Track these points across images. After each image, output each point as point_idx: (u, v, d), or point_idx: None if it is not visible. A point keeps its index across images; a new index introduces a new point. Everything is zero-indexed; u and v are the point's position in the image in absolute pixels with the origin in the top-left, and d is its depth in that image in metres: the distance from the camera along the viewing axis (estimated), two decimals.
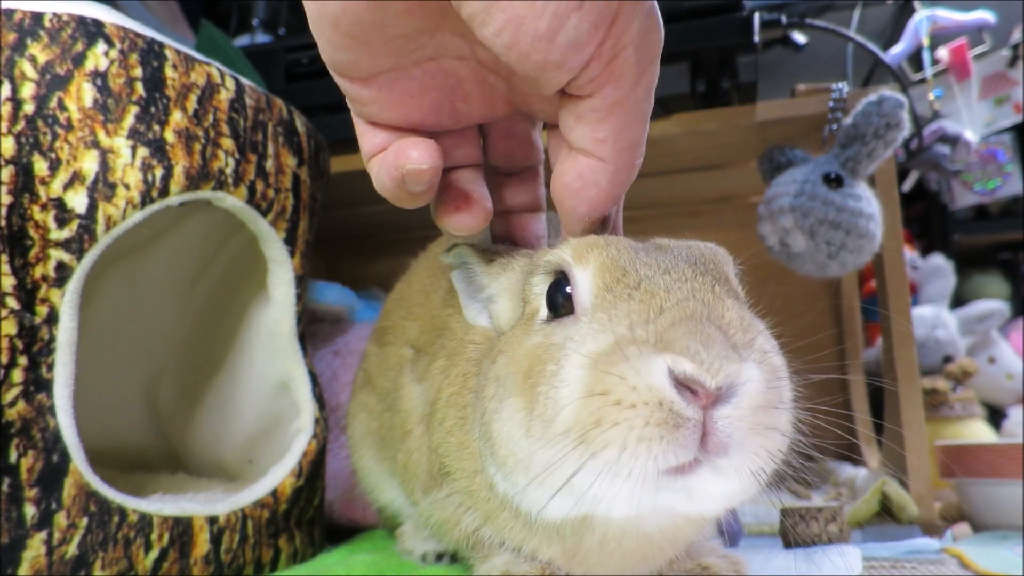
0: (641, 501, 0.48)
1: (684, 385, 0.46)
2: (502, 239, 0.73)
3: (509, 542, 0.67)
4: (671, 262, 0.55)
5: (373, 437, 0.94)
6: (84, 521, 0.72)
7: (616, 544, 0.61)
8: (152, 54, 0.80)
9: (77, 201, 0.74)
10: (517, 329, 0.62)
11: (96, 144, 0.75)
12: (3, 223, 0.70)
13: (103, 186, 0.75)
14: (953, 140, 1.91)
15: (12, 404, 0.69)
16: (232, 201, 0.87)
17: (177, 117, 0.81)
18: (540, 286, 0.61)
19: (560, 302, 0.58)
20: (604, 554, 0.62)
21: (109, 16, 0.80)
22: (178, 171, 0.80)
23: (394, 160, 0.58)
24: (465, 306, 0.72)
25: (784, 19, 1.49)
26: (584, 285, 0.56)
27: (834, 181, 1.16)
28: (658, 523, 0.58)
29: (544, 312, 0.59)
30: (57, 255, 0.73)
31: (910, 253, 2.06)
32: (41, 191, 0.72)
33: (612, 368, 0.48)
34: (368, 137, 0.62)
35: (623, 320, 0.50)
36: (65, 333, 0.73)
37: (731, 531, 0.93)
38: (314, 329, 1.38)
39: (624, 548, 0.61)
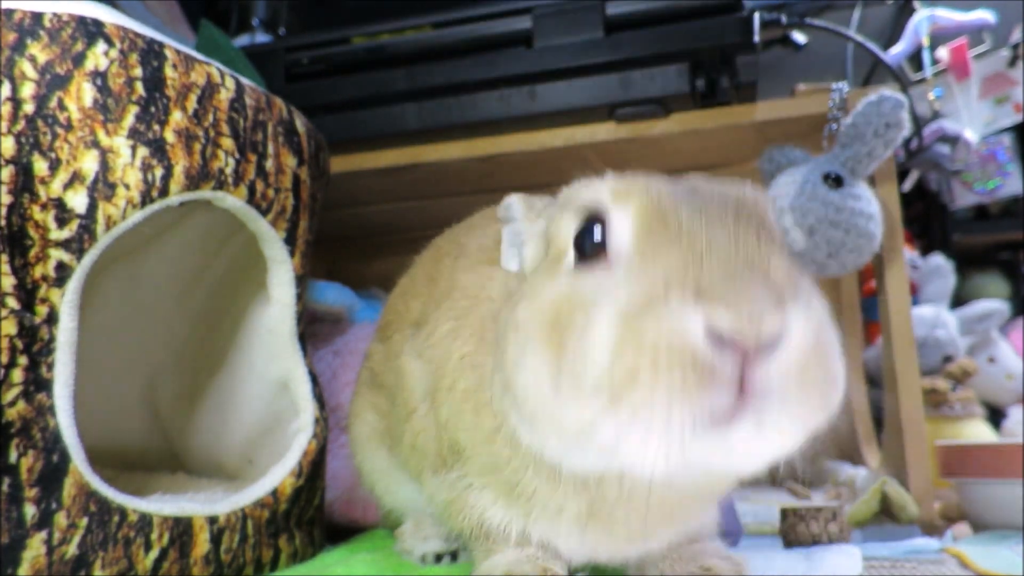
0: (677, 460, 0.46)
1: (724, 340, 0.44)
2: None
3: (529, 511, 0.65)
4: (714, 209, 0.52)
5: (383, 436, 0.93)
6: (84, 521, 0.72)
7: (642, 498, 0.59)
8: (152, 54, 0.80)
9: (77, 201, 0.74)
10: (540, 273, 0.59)
11: (96, 144, 0.75)
12: (3, 223, 0.70)
13: (103, 186, 0.75)
14: (953, 140, 1.90)
15: (12, 404, 0.69)
16: (232, 201, 0.87)
17: (177, 117, 0.81)
18: (568, 227, 0.57)
19: (590, 249, 0.54)
20: (629, 508, 0.60)
21: (109, 16, 0.80)
22: (178, 171, 0.80)
23: None
24: (503, 251, 0.70)
25: (784, 19, 1.49)
26: (622, 230, 0.53)
27: (834, 181, 1.16)
28: (691, 478, 0.54)
29: (571, 257, 0.56)
30: (57, 255, 0.73)
31: (910, 253, 2.05)
32: (41, 191, 0.72)
33: (647, 325, 0.46)
34: None
35: (661, 272, 0.47)
36: (65, 333, 0.73)
37: (732, 532, 0.93)
38: (314, 329, 1.38)
39: (651, 503, 0.59)
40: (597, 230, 0.54)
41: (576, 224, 0.57)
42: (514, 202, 0.69)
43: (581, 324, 0.50)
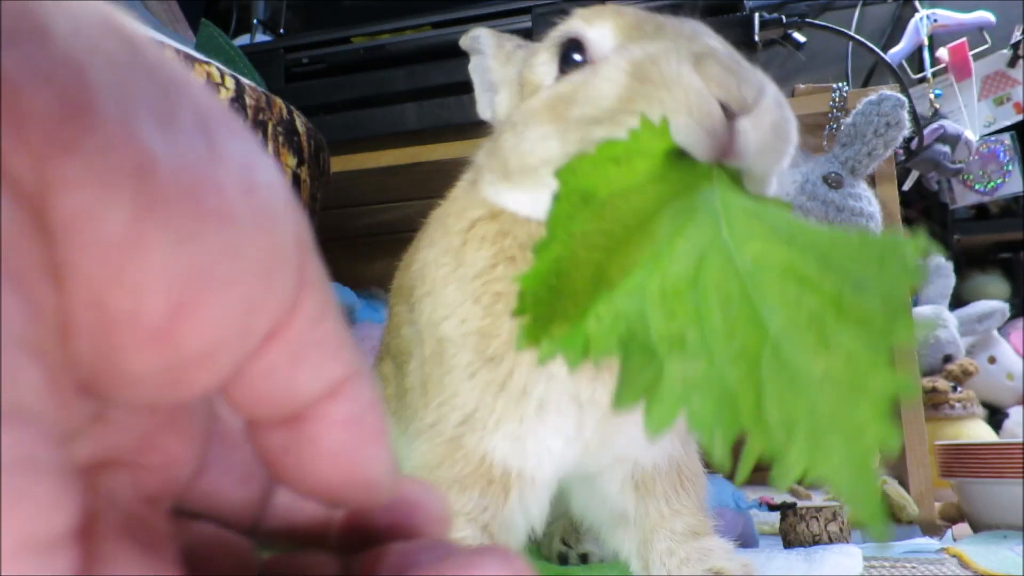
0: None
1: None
2: None
3: (523, 393, 0.64)
4: (682, 23, 0.57)
5: (391, 403, 0.94)
6: None
7: None
8: None
9: None
10: (521, 104, 0.63)
11: None
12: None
13: None
14: (953, 140, 1.90)
15: None
16: None
17: None
18: (545, 63, 0.61)
19: (572, 68, 0.58)
20: None
21: None
22: None
23: None
24: (477, 97, 0.74)
25: (784, 19, 1.49)
26: (604, 40, 0.57)
27: (834, 181, 1.16)
28: None
29: (552, 79, 0.60)
30: None
31: None
32: None
33: (657, 65, 0.50)
34: None
35: (660, 44, 0.52)
36: None
37: (746, 536, 0.94)
38: None
39: None
40: (576, 52, 0.59)
41: (552, 56, 0.61)
42: (483, 34, 0.72)
43: (584, 86, 0.54)
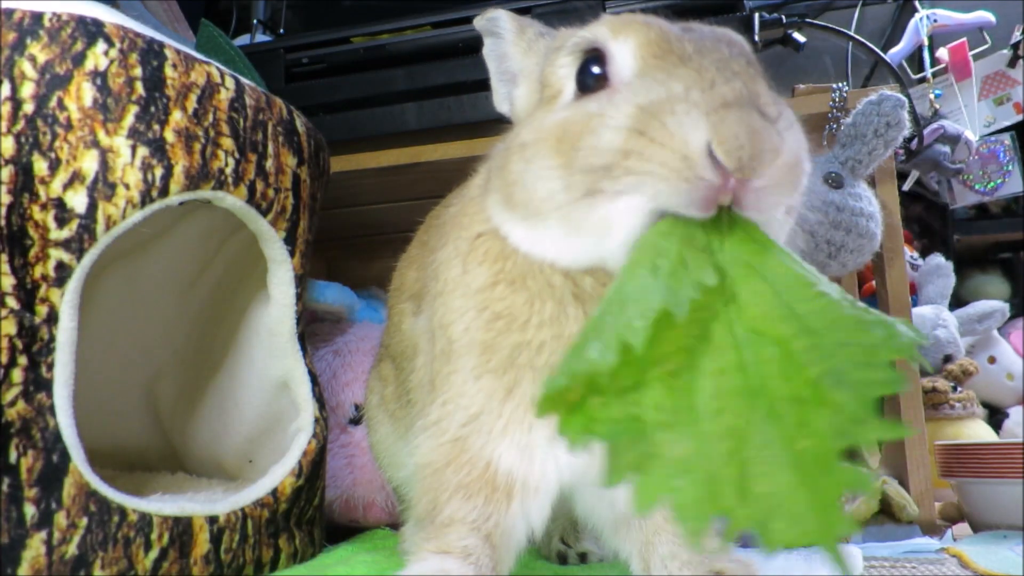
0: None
1: (720, 163, 0.47)
2: None
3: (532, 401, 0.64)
4: (710, 42, 0.55)
5: (388, 403, 0.94)
6: (84, 521, 0.72)
7: None
8: (152, 54, 0.80)
9: (77, 201, 0.74)
10: (537, 111, 0.62)
11: (96, 144, 0.75)
12: (3, 223, 0.70)
13: (103, 186, 0.75)
14: (953, 140, 1.90)
15: (12, 404, 0.69)
16: (232, 200, 0.87)
17: (177, 117, 0.81)
18: (566, 68, 0.60)
19: (591, 82, 0.57)
20: None
21: (109, 16, 0.80)
22: (178, 171, 0.80)
23: None
24: (494, 87, 0.73)
25: (784, 19, 1.49)
26: (625, 59, 0.56)
27: (834, 181, 1.16)
28: None
29: (570, 91, 0.59)
30: (57, 255, 0.73)
31: (910, 253, 2.05)
32: (41, 191, 0.72)
33: (660, 114, 0.49)
34: None
35: (679, 82, 0.51)
36: (65, 333, 0.73)
37: (746, 536, 0.93)
38: (314, 329, 1.38)
39: None
40: (596, 65, 0.58)
41: (573, 62, 0.60)
42: (502, 17, 0.70)
43: (591, 128, 0.53)
